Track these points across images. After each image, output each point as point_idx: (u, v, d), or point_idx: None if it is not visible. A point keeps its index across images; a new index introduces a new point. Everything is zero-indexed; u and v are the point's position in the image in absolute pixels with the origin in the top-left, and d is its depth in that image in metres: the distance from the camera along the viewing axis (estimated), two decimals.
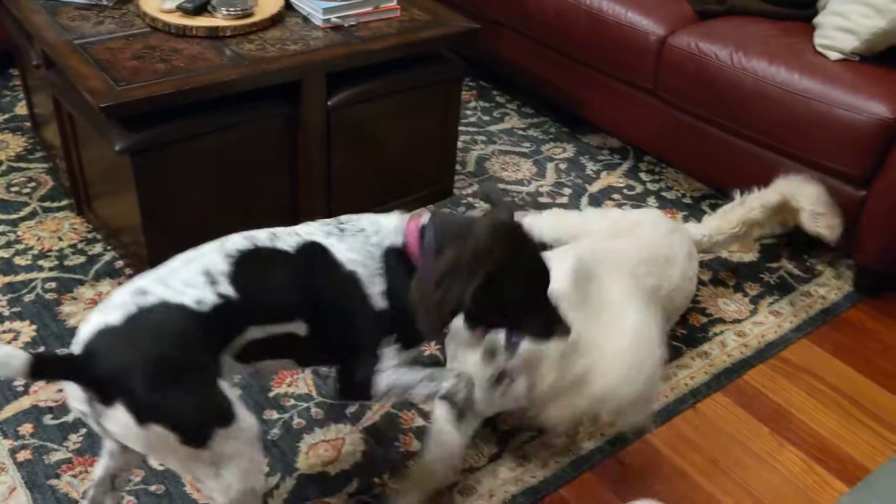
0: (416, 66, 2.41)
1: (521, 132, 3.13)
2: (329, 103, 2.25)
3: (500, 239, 1.41)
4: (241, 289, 1.37)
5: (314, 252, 1.47)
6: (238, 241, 1.45)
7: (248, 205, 2.28)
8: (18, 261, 2.29)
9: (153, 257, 2.14)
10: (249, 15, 2.26)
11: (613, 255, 1.98)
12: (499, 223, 1.44)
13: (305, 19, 2.36)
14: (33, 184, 2.60)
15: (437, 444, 1.74)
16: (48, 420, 1.85)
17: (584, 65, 2.86)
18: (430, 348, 2.07)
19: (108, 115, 1.92)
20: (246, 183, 2.25)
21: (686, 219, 2.69)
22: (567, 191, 2.79)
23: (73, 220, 2.46)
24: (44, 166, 2.67)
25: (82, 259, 2.31)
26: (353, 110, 2.31)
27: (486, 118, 3.20)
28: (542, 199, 2.72)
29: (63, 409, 1.86)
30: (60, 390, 1.88)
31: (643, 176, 2.91)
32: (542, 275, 1.49)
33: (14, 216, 2.45)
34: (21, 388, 1.92)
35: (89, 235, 2.40)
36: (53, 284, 2.22)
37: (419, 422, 1.92)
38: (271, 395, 1.96)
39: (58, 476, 1.73)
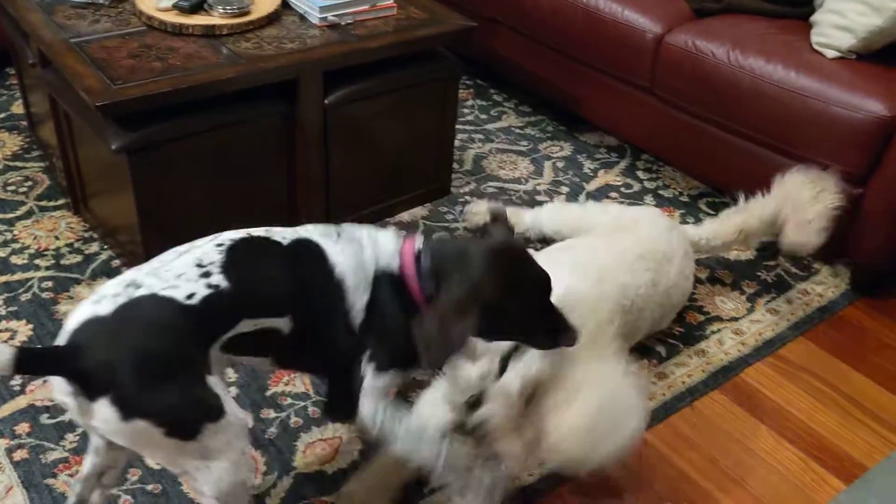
0: (413, 65, 2.41)
1: (518, 131, 3.13)
2: (326, 102, 2.25)
3: (497, 267, 1.42)
4: (234, 279, 1.36)
5: (307, 247, 1.47)
6: (231, 233, 1.45)
7: (245, 203, 2.28)
8: (15, 260, 2.29)
9: (150, 256, 2.12)
10: (246, 13, 2.26)
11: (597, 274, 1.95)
12: (493, 249, 1.44)
13: (302, 17, 2.35)
14: (30, 183, 2.59)
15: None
16: (45, 419, 1.85)
17: (581, 63, 2.86)
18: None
19: (104, 113, 1.92)
20: (243, 182, 2.25)
21: (683, 217, 2.69)
22: (564, 189, 2.79)
23: (69, 219, 2.45)
24: (40, 165, 2.67)
25: (79, 258, 2.31)
26: (350, 109, 2.31)
27: (483, 116, 3.20)
28: (539, 198, 2.72)
29: (60, 408, 1.86)
30: None
31: (640, 174, 2.91)
32: (544, 289, 1.49)
33: (10, 215, 2.45)
34: (18, 388, 1.92)
35: (86, 234, 2.40)
36: (50, 283, 2.21)
37: None
38: (268, 393, 1.96)
39: (54, 475, 1.73)
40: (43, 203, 2.51)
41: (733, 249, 2.51)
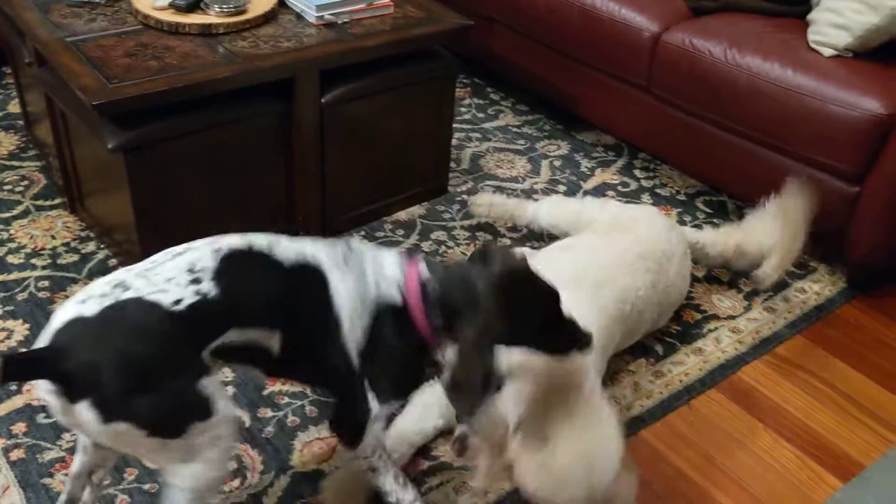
0: (410, 63, 2.41)
1: (515, 129, 3.13)
2: (323, 100, 2.25)
3: (506, 298, 1.41)
4: (224, 288, 1.34)
5: (308, 272, 1.44)
6: (233, 240, 1.43)
7: (242, 202, 2.28)
8: (11, 259, 2.28)
9: (146, 255, 2.11)
10: (242, 12, 2.25)
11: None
12: (500, 279, 1.42)
13: (299, 16, 2.35)
14: (26, 182, 2.59)
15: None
16: (41, 419, 1.84)
17: (578, 62, 2.86)
18: None
19: (100, 112, 1.92)
20: (240, 180, 2.24)
21: (680, 215, 2.69)
22: (562, 188, 2.79)
23: (66, 218, 2.45)
24: (36, 164, 2.66)
25: (75, 257, 2.31)
26: (347, 107, 2.31)
27: (480, 115, 3.20)
28: (536, 197, 2.72)
29: None
30: None
31: (637, 173, 2.91)
32: (553, 303, 1.49)
33: (7, 215, 2.44)
34: (14, 387, 1.91)
35: (82, 234, 2.39)
36: (46, 283, 2.21)
37: None
38: (265, 392, 1.96)
39: (51, 475, 1.73)
40: (39, 202, 2.51)
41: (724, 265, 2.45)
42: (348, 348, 1.45)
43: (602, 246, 2.06)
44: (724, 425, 1.99)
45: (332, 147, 2.34)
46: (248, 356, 1.43)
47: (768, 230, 2.27)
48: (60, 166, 2.38)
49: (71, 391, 1.23)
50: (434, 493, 1.77)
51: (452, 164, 2.79)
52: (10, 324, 2.08)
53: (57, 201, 2.51)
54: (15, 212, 2.46)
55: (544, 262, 2.01)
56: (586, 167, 2.92)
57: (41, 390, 1.27)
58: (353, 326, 1.44)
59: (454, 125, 2.74)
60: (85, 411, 1.22)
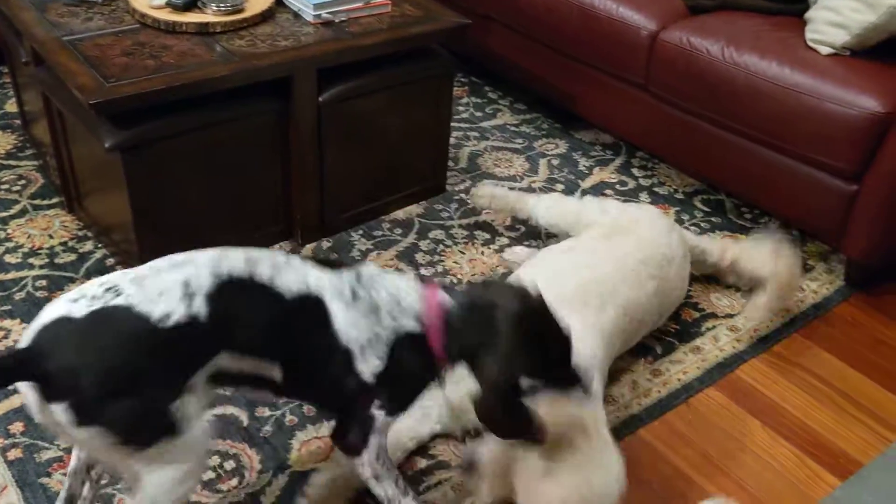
0: (408, 62, 2.41)
1: (513, 128, 3.13)
2: (320, 99, 2.25)
3: (526, 336, 1.43)
4: (216, 311, 1.32)
5: (311, 308, 1.41)
6: (236, 263, 1.38)
7: (239, 201, 2.28)
8: (9, 259, 2.28)
9: (144, 255, 2.14)
10: (240, 11, 2.25)
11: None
12: (521, 318, 1.44)
13: (296, 15, 2.35)
14: (23, 181, 2.59)
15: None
16: None
17: (576, 60, 2.86)
18: None
19: (97, 111, 1.92)
20: (237, 179, 2.24)
21: (678, 214, 2.69)
22: (560, 187, 2.79)
23: (63, 217, 2.45)
24: (34, 164, 2.66)
25: (73, 257, 2.30)
26: (345, 106, 2.31)
27: (478, 114, 3.20)
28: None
29: None
30: None
31: (635, 171, 2.91)
32: (565, 346, 1.51)
33: (4, 214, 2.44)
34: (12, 387, 1.91)
35: (80, 233, 2.39)
36: (44, 282, 2.21)
37: None
38: None
39: (49, 474, 1.73)
40: (37, 202, 2.50)
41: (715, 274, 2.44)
42: (363, 376, 1.43)
43: (605, 253, 2.04)
44: (723, 424, 1.99)
45: (329, 146, 2.34)
46: (255, 382, 1.43)
47: (765, 260, 2.28)
48: (58, 165, 2.38)
49: (48, 391, 1.23)
50: (432, 492, 1.76)
51: (450, 163, 2.79)
52: (7, 323, 2.08)
53: (54, 200, 2.50)
54: (12, 211, 2.46)
55: (546, 268, 2.01)
56: (584, 166, 2.92)
57: (21, 384, 1.27)
58: (366, 355, 1.42)
59: (452, 124, 2.74)
60: (60, 413, 1.23)
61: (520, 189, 2.75)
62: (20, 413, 1.85)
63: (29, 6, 2.25)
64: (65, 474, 1.71)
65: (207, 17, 2.21)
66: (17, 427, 1.82)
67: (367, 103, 2.36)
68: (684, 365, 2.14)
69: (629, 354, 2.11)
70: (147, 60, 2.05)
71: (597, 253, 2.05)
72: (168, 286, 1.30)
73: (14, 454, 1.76)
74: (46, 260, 2.28)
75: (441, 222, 2.58)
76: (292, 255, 1.46)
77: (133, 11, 2.23)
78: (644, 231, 2.12)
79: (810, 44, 2.39)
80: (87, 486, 1.51)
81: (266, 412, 1.91)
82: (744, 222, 2.68)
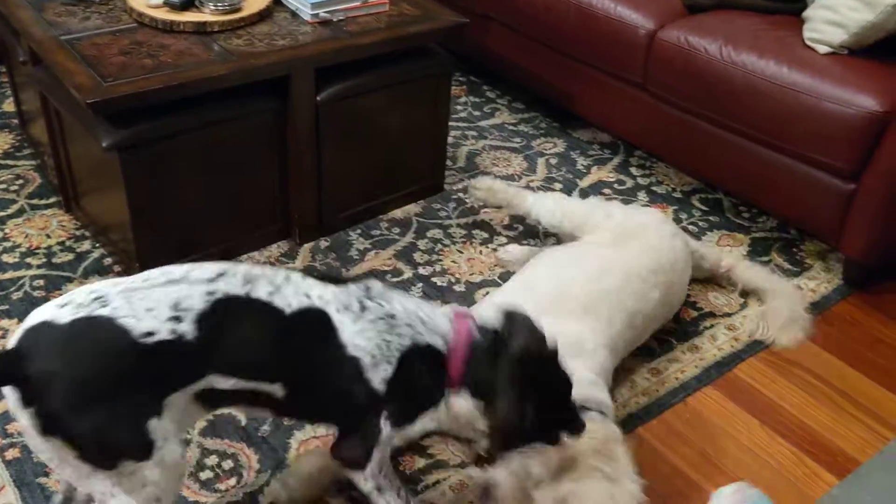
0: (406, 61, 2.41)
1: (511, 127, 3.13)
2: (318, 98, 2.25)
3: (528, 383, 1.46)
4: (206, 334, 1.29)
5: (313, 321, 1.39)
6: (233, 281, 1.35)
7: (237, 201, 2.28)
8: (6, 258, 2.28)
9: (142, 254, 2.14)
10: (237, 10, 2.25)
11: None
12: (533, 366, 1.46)
13: (294, 14, 2.35)
14: (21, 181, 2.58)
15: None
16: None
17: (574, 59, 2.86)
18: None
19: (94, 111, 1.92)
20: (235, 179, 2.24)
21: (676, 213, 2.69)
22: (558, 186, 2.79)
23: (61, 217, 2.44)
24: (31, 163, 2.66)
25: (71, 256, 2.30)
26: (343, 105, 2.31)
27: (476, 113, 3.19)
28: None
29: None
30: None
31: (633, 170, 2.91)
32: (567, 391, 1.52)
33: (1, 214, 2.44)
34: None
35: (77, 233, 2.39)
36: (42, 282, 2.21)
37: None
38: None
39: (46, 474, 1.72)
40: (34, 201, 2.50)
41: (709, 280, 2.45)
42: (373, 384, 1.41)
43: (614, 262, 2.02)
44: (721, 422, 1.99)
45: (327, 145, 2.34)
46: (253, 400, 1.40)
47: (763, 275, 2.33)
48: (55, 165, 2.38)
49: (22, 396, 1.21)
50: (430, 492, 1.76)
51: (448, 162, 2.79)
52: (4, 322, 2.08)
53: (52, 200, 2.50)
54: (10, 211, 2.45)
55: (556, 275, 2.00)
56: (582, 165, 2.92)
57: (4, 387, 1.25)
58: (376, 362, 1.40)
59: (450, 123, 2.74)
60: (28, 418, 1.21)
61: (518, 188, 2.74)
62: None
63: (26, 5, 2.25)
64: None
65: (205, 16, 2.21)
66: (15, 427, 1.82)
67: (365, 102, 2.36)
68: (682, 364, 2.14)
69: (628, 354, 2.11)
70: (144, 60, 2.04)
71: (606, 262, 2.03)
72: (157, 304, 1.28)
73: (12, 454, 1.76)
74: (44, 259, 2.28)
75: (439, 221, 2.58)
76: (294, 272, 1.44)
77: (130, 11, 2.23)
78: (651, 237, 2.12)
79: (808, 43, 2.39)
80: None
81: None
82: (742, 221, 2.68)
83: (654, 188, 2.82)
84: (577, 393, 1.67)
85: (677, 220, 2.64)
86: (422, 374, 1.46)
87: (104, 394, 1.22)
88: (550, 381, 1.49)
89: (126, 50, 2.08)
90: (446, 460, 1.83)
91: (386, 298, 1.46)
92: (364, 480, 1.51)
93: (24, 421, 1.23)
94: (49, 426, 1.22)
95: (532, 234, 2.53)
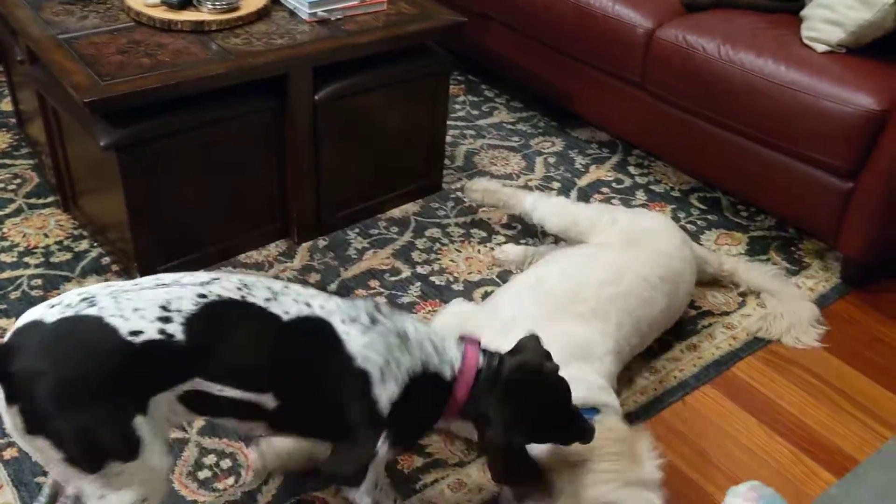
0: (404, 60, 2.41)
1: (509, 126, 3.12)
2: (316, 97, 2.24)
3: (537, 407, 1.48)
4: (194, 336, 1.27)
5: (314, 330, 1.36)
6: (228, 286, 1.34)
7: (235, 200, 2.27)
8: (4, 258, 2.27)
9: (140, 253, 2.14)
10: (235, 9, 2.25)
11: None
12: (535, 391, 1.48)
13: (291, 13, 2.34)
14: (19, 180, 2.58)
15: None
16: None
17: (573, 58, 2.86)
18: None
19: (92, 110, 1.91)
20: (233, 178, 2.24)
21: (675, 212, 2.69)
22: (556, 185, 2.79)
23: (59, 216, 2.44)
24: (29, 163, 2.65)
25: (68, 256, 2.30)
26: (341, 104, 2.31)
27: (474, 112, 3.19)
28: None
29: None
30: None
31: (632, 169, 2.91)
32: (567, 400, 1.52)
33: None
34: None
35: (75, 232, 2.39)
36: (39, 281, 2.21)
37: None
38: None
39: (44, 474, 1.72)
40: (32, 200, 2.50)
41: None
42: (380, 404, 1.38)
43: (626, 267, 2.02)
44: (719, 421, 1.99)
45: (325, 144, 2.34)
46: (242, 412, 1.37)
47: (765, 277, 2.33)
48: (53, 164, 2.38)
49: (7, 393, 1.21)
50: (428, 490, 1.76)
51: (447, 162, 2.79)
52: (2, 322, 2.07)
53: (50, 199, 2.50)
54: (7, 210, 2.45)
55: (569, 277, 2.00)
56: (580, 164, 2.92)
57: None
58: (385, 379, 1.38)
59: (448, 122, 2.74)
60: (12, 416, 1.21)
61: (516, 187, 2.75)
62: None
63: (24, 4, 2.25)
64: None
65: (203, 15, 2.21)
66: None
67: (363, 101, 2.36)
68: (680, 363, 2.14)
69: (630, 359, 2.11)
70: (142, 59, 2.04)
71: (619, 267, 2.02)
72: (146, 304, 1.27)
73: (10, 453, 1.76)
74: (42, 259, 2.28)
75: (437, 220, 2.58)
76: (293, 283, 1.42)
77: (128, 10, 2.23)
78: (662, 244, 2.12)
79: (806, 41, 2.39)
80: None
81: None
82: (740, 220, 2.68)
83: (652, 187, 2.82)
84: (588, 397, 1.69)
85: (675, 219, 2.64)
86: (427, 400, 1.45)
87: (89, 393, 1.22)
88: (550, 396, 1.49)
89: (124, 49, 2.08)
90: (445, 459, 1.83)
91: (397, 316, 1.45)
92: (360, 498, 1.48)
93: (8, 420, 1.22)
94: (33, 425, 1.21)
95: (530, 233, 2.53)
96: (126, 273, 2.22)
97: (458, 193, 2.70)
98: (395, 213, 2.60)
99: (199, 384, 1.31)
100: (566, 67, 2.90)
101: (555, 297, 1.92)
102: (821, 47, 2.35)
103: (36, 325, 1.24)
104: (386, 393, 1.38)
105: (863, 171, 2.23)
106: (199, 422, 1.85)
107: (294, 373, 1.36)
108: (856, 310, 2.36)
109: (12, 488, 1.69)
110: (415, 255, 2.42)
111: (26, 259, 2.28)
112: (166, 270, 2.14)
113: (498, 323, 1.86)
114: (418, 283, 2.31)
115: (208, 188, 2.20)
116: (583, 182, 2.82)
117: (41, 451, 1.24)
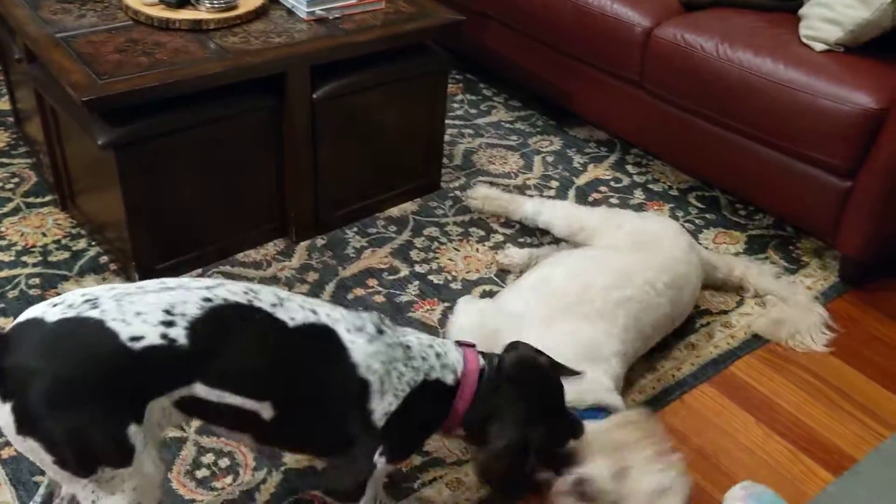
0: (402, 59, 2.40)
1: (508, 125, 3.12)
2: (314, 96, 2.24)
3: (538, 413, 1.48)
4: (197, 340, 1.26)
5: (319, 337, 1.36)
6: (234, 290, 1.33)
7: (233, 199, 2.27)
8: (2, 257, 2.27)
9: (138, 252, 2.14)
10: (233, 8, 2.25)
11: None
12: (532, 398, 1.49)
13: (290, 12, 2.34)
14: (17, 179, 2.58)
15: None
16: None
17: (571, 57, 2.86)
18: None
19: (90, 109, 1.91)
20: (231, 177, 2.24)
21: (673, 211, 2.69)
22: (554, 183, 2.79)
23: (57, 215, 2.44)
24: (27, 162, 2.65)
25: (66, 255, 2.30)
26: (339, 103, 2.30)
27: (473, 111, 3.19)
28: (529, 193, 2.72)
29: None
30: None
31: (630, 168, 2.91)
32: (561, 387, 1.53)
33: None
34: None
35: (73, 231, 2.39)
36: (37, 280, 2.20)
37: None
38: None
39: (42, 473, 1.72)
40: (30, 199, 2.50)
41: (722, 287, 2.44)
42: (374, 418, 1.38)
43: (632, 269, 2.02)
44: (717, 420, 1.99)
45: (323, 143, 2.33)
46: (235, 420, 1.36)
47: (775, 281, 2.34)
48: (51, 163, 2.37)
49: (2, 389, 1.19)
50: (427, 489, 1.76)
51: (445, 160, 2.78)
52: (0, 321, 2.07)
53: (48, 198, 2.50)
54: (5, 209, 2.45)
55: (578, 279, 2.00)
56: (579, 163, 2.92)
57: None
58: (384, 390, 1.38)
59: (447, 121, 2.74)
60: (5, 415, 1.19)
61: (514, 186, 2.75)
62: None
63: (22, 3, 2.24)
64: None
65: (201, 13, 2.20)
66: None
67: (361, 100, 2.36)
68: (678, 361, 2.14)
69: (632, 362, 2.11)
70: (140, 57, 2.04)
71: (626, 270, 2.02)
72: (149, 308, 1.26)
73: (8, 452, 1.76)
74: (40, 258, 2.28)
75: (436, 219, 2.58)
76: (296, 294, 1.42)
77: (126, 8, 2.23)
78: (670, 249, 2.12)
79: (804, 40, 2.39)
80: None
81: None
82: (738, 219, 2.68)
83: (650, 186, 2.82)
84: (596, 398, 1.71)
85: (674, 218, 2.63)
86: (426, 411, 1.45)
87: (84, 396, 1.20)
88: (550, 388, 1.50)
89: (121, 48, 2.08)
90: (443, 457, 1.83)
91: (400, 329, 1.45)
92: None
93: (1, 419, 1.21)
94: (25, 425, 1.20)
95: (528, 231, 2.53)
96: (124, 272, 2.22)
97: (457, 192, 2.70)
98: (394, 211, 2.60)
99: (198, 389, 1.29)
100: (564, 66, 2.90)
101: (560, 297, 1.94)
102: (819, 46, 2.35)
103: (36, 322, 1.23)
104: (382, 405, 1.38)
105: (861, 169, 2.23)
106: (198, 421, 1.85)
107: (296, 379, 1.35)
108: (854, 309, 2.36)
109: (10, 487, 1.69)
110: (413, 254, 2.42)
111: (24, 258, 2.27)
112: (164, 269, 2.16)
113: (519, 323, 1.87)
114: (416, 282, 2.32)
115: (206, 187, 2.19)
116: (581, 181, 2.82)
117: (33, 451, 1.23)
